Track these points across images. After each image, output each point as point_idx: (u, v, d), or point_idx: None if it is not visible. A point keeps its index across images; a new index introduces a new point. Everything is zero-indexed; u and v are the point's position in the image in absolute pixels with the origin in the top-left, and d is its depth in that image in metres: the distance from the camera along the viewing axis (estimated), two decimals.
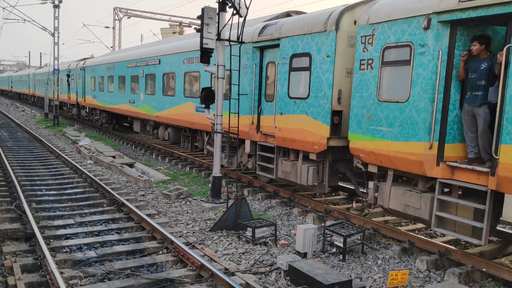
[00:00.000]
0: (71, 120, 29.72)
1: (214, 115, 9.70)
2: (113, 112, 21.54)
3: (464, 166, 6.05)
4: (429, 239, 7.10)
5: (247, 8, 9.04)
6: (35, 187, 10.27)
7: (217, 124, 9.57)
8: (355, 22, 8.08)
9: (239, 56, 9.18)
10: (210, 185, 9.96)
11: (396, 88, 6.88)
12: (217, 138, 9.66)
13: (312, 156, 8.72)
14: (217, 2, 9.26)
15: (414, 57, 6.51)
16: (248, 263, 6.45)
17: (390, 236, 7.49)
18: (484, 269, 6.04)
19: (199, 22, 9.38)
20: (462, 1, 5.92)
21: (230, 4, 9.05)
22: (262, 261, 6.53)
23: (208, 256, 6.44)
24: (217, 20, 9.22)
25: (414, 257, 6.77)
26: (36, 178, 11.28)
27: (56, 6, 27.42)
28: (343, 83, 8.17)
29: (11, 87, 63.36)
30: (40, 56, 62.37)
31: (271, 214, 9.10)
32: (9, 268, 5.69)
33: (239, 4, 8.99)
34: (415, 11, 6.51)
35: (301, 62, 8.90)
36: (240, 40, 9.04)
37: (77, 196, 9.70)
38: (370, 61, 7.31)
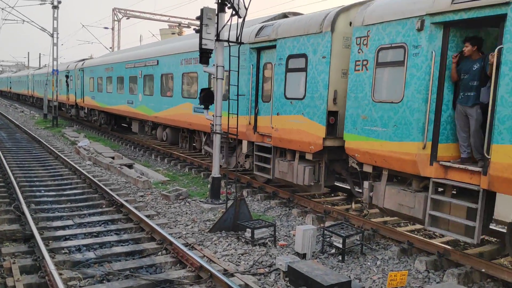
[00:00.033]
0: (70, 121, 29.76)
1: (213, 116, 9.73)
2: (111, 112, 21.62)
3: (457, 165, 6.14)
4: (428, 240, 7.10)
5: (246, 9, 9.04)
6: (34, 188, 10.31)
7: (216, 124, 9.57)
8: (350, 24, 8.14)
9: (238, 57, 9.18)
10: (209, 186, 9.98)
11: (390, 88, 6.96)
12: (216, 139, 9.65)
13: (309, 156, 8.79)
14: (216, 3, 9.26)
15: (408, 58, 6.59)
16: (247, 264, 6.44)
17: (389, 237, 7.47)
18: (483, 270, 6.04)
19: (198, 22, 9.37)
20: (454, 3, 6.00)
21: (229, 5, 9.04)
22: (261, 262, 6.53)
23: (207, 257, 6.44)
24: (216, 21, 9.22)
25: (413, 258, 6.78)
26: (35, 179, 11.33)
27: (55, 7, 27.44)
28: (338, 84, 8.25)
29: (10, 88, 63.38)
30: (39, 57, 62.46)
31: (270, 215, 9.11)
32: (8, 269, 5.68)
33: (238, 5, 8.99)
34: (408, 12, 6.59)
35: (297, 63, 8.97)
36: (239, 40, 9.04)
37: (76, 197, 9.74)
38: (365, 62, 7.38)
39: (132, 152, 17.67)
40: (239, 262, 6.51)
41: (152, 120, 16.56)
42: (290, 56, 9.09)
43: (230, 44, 9.02)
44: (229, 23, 9.02)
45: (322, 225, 8.27)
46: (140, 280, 5.60)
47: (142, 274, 5.84)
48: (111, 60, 20.89)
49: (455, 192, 6.54)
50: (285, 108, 9.24)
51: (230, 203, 8.25)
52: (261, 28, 10.18)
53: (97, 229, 7.61)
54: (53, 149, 15.84)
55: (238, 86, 9.32)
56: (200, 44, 9.22)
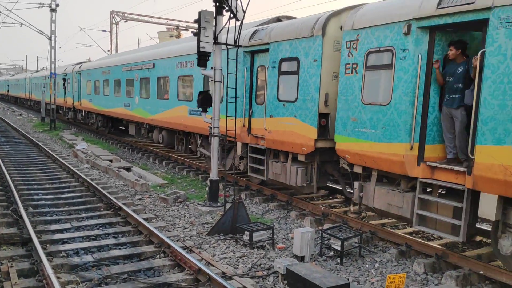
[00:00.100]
0: (68, 124, 29.85)
1: (211, 118, 9.73)
2: (108, 115, 21.75)
3: (443, 166, 6.31)
4: (426, 242, 7.13)
5: (244, 12, 9.05)
6: (32, 192, 10.33)
7: (214, 127, 9.56)
8: (341, 28, 8.29)
9: (236, 59, 9.25)
10: (207, 188, 9.97)
11: (379, 91, 7.13)
12: (214, 142, 9.62)
13: (301, 158, 8.95)
14: (214, 6, 9.27)
15: (396, 61, 6.76)
16: (246, 267, 6.44)
17: (387, 239, 7.51)
18: (481, 272, 6.07)
19: (196, 25, 9.36)
20: (440, 8, 6.17)
21: (227, 8, 9.04)
22: (260, 265, 6.53)
23: (205, 260, 6.43)
24: (214, 24, 9.23)
25: (411, 260, 6.80)
26: (33, 182, 11.39)
27: (53, 10, 27.53)
28: (329, 87, 8.41)
29: (8, 91, 63.38)
30: (37, 60, 62.60)
31: (269, 218, 9.11)
32: (5, 273, 5.68)
33: (236, 8, 9.00)
34: (396, 17, 6.76)
35: (289, 66, 9.13)
36: (237, 43, 9.04)
37: (74, 200, 9.78)
38: (354, 65, 7.55)
39: (130, 155, 17.77)
40: (238, 265, 6.51)
41: (149, 122, 16.70)
42: (283, 60, 9.25)
43: (228, 47, 9.08)
44: (226, 26, 9.07)
45: (320, 227, 8.25)
46: (138, 283, 5.60)
47: (140, 277, 5.82)
48: (108, 63, 21.03)
49: (443, 192, 6.69)
50: (278, 110, 9.41)
51: (228, 206, 8.22)
52: (254, 32, 10.34)
53: (95, 232, 7.63)
54: (51, 152, 15.92)
55: (236, 88, 9.35)
56: (198, 47, 9.19)
